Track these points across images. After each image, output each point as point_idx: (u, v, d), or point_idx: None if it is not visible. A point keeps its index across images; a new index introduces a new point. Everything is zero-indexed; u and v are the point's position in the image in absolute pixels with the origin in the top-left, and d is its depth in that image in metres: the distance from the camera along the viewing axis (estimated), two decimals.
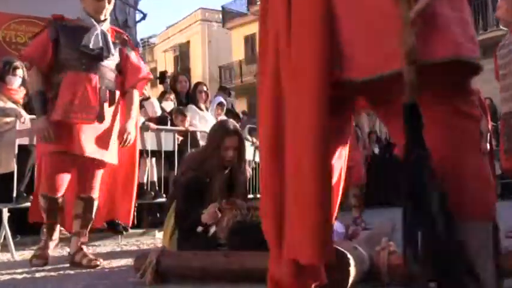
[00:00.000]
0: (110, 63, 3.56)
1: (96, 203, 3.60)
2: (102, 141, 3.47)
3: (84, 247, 3.59)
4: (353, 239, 3.19)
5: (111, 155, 3.55)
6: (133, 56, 3.72)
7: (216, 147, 3.22)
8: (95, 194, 3.57)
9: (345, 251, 2.07)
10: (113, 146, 3.56)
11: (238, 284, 2.60)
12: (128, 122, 3.58)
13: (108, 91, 3.52)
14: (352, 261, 2.04)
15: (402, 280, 2.42)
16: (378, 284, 2.43)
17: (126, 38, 3.78)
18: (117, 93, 3.61)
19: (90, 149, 3.39)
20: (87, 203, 3.55)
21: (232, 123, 3.39)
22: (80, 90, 3.39)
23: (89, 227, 3.61)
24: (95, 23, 3.51)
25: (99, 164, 3.53)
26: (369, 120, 18.93)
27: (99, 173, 3.58)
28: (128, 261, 3.51)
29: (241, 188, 3.37)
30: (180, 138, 5.85)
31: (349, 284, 2.03)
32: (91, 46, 3.44)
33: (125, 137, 3.53)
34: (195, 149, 4.90)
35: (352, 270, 2.03)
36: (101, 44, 3.48)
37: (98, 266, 3.41)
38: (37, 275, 3.19)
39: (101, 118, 3.45)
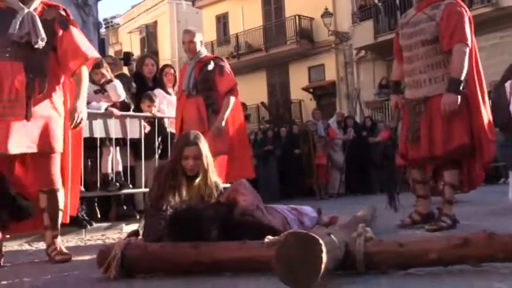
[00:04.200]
0: (42, 46, 3.47)
1: (61, 194, 3.61)
2: (33, 131, 3.41)
3: (57, 241, 3.64)
4: (330, 226, 3.26)
5: (51, 144, 3.50)
6: (70, 33, 3.59)
7: (178, 158, 3.39)
8: (56, 185, 3.57)
9: (317, 237, 2.12)
10: (56, 132, 3.53)
11: (207, 277, 2.65)
12: (77, 102, 3.51)
13: (37, 79, 3.44)
14: (324, 248, 2.09)
15: (379, 268, 2.49)
16: (353, 272, 2.48)
17: (63, 12, 3.64)
18: (46, 79, 3.51)
19: (15, 145, 3.31)
20: (49, 196, 3.56)
21: (194, 134, 3.48)
22: (5, 82, 3.35)
23: (59, 219, 3.63)
24: (21, 5, 3.45)
25: (45, 154, 3.49)
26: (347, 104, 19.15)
27: (53, 162, 3.55)
28: (92, 257, 3.37)
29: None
30: (147, 125, 5.83)
31: (322, 271, 2.08)
32: (16, 33, 3.37)
33: (75, 117, 3.45)
34: (161, 162, 4.95)
35: (325, 257, 2.08)
36: (27, 29, 3.41)
37: (70, 260, 3.51)
38: None
39: (29, 115, 3.37)
